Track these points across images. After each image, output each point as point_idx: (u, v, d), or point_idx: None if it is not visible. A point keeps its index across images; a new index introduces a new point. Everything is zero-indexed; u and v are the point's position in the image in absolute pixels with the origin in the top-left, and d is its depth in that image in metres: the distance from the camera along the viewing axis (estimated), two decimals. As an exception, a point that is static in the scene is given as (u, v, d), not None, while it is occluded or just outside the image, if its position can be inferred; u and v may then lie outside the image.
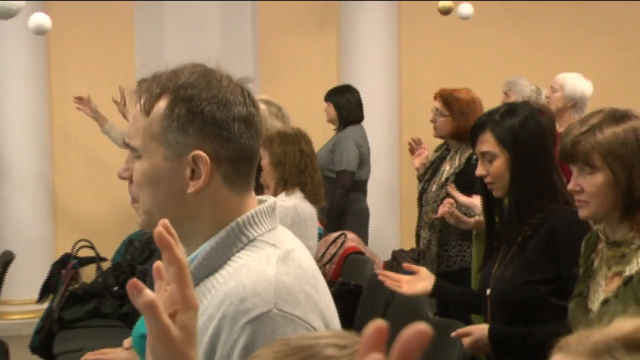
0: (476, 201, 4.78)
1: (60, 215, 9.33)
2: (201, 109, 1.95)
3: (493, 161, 3.66)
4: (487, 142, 3.69)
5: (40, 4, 7.85)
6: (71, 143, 9.33)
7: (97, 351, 3.38)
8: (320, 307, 1.95)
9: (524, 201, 3.59)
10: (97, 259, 8.11)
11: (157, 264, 1.47)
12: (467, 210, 5.15)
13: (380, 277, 3.88)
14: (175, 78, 1.99)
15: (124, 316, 6.63)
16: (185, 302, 1.43)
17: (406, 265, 4.06)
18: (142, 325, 2.83)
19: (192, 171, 1.96)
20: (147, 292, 1.37)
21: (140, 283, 1.36)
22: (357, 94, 7.90)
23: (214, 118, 1.95)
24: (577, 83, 6.44)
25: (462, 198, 5.05)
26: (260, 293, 1.86)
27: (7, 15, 5.63)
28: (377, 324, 0.88)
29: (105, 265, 7.85)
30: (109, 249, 8.00)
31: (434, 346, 4.21)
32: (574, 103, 6.36)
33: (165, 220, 1.44)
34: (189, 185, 1.97)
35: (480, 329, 3.58)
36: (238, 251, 1.98)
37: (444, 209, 5.28)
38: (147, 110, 1.99)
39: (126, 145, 2.06)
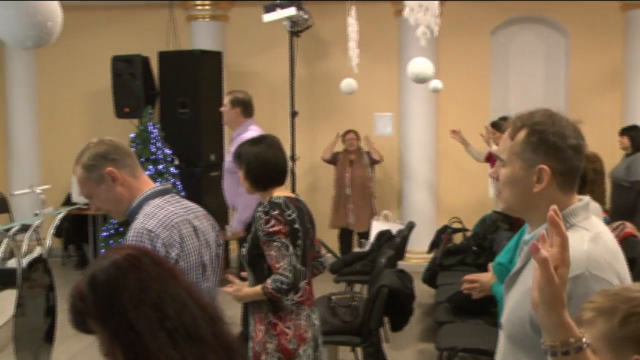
0: None
1: (441, 202, 9.51)
2: (547, 139, 1.94)
3: None
4: None
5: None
6: (449, 157, 9.38)
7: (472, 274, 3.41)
8: (618, 271, 1.86)
9: None
10: (463, 229, 8.38)
11: (542, 232, 1.43)
12: None
13: None
14: (532, 117, 1.98)
15: (479, 265, 6.74)
16: (563, 261, 1.39)
17: None
18: (500, 256, 3.14)
19: (538, 178, 1.94)
20: (543, 251, 1.35)
21: (538, 245, 1.35)
22: None
23: (555, 146, 1.93)
24: None
25: None
26: (577, 261, 1.74)
27: (423, 81, 5.87)
28: None
29: (468, 234, 8.00)
30: (471, 223, 8.04)
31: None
32: None
33: (555, 206, 1.42)
34: (534, 187, 1.95)
35: None
36: None
37: None
38: (512, 137, 1.99)
39: (497, 157, 2.07)
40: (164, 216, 2.62)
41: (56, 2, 2.20)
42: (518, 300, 1.90)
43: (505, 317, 1.99)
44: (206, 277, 2.74)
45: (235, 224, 5.42)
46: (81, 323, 1.51)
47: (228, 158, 5.55)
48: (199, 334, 1.47)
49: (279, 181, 3.54)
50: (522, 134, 1.97)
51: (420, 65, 5.62)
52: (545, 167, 1.93)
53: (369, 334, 4.80)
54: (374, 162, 8.85)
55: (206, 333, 1.48)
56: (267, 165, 3.49)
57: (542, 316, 1.40)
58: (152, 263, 1.53)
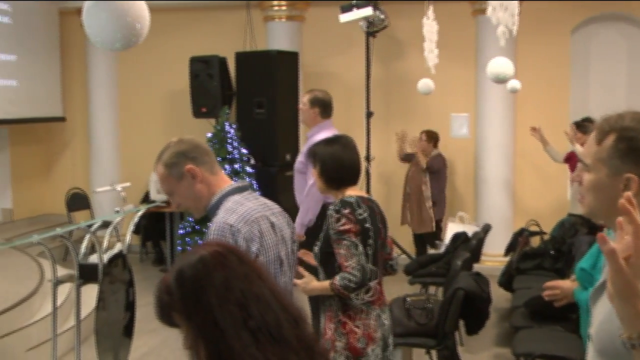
0: None
1: (518, 204, 9.36)
2: (637, 146, 1.78)
3: None
4: None
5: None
6: (526, 158, 9.24)
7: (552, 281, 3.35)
8: None
9: None
10: (541, 233, 8.24)
11: (619, 219, 1.36)
12: None
13: None
14: (621, 121, 1.83)
15: (557, 270, 6.66)
16: (637, 250, 1.33)
17: None
18: (582, 261, 3.09)
19: (625, 186, 1.79)
20: (610, 242, 1.30)
21: (606, 236, 1.30)
22: None
23: None
24: None
25: None
26: None
27: (503, 81, 5.78)
28: None
29: (545, 237, 7.88)
30: (548, 226, 7.87)
31: None
32: None
33: (629, 193, 1.37)
34: (620, 195, 1.65)
35: None
36: None
37: None
38: (599, 141, 1.84)
39: (580, 160, 1.94)
40: (244, 212, 2.71)
41: (144, 3, 2.27)
42: (606, 314, 1.80)
43: (594, 330, 1.89)
44: (283, 272, 2.81)
45: (298, 228, 5.37)
46: (167, 316, 1.55)
47: (299, 158, 5.57)
48: (281, 335, 1.48)
49: (352, 181, 3.60)
50: (609, 140, 1.82)
51: (500, 65, 5.60)
52: (634, 176, 1.77)
53: (444, 336, 4.79)
54: (427, 168, 8.61)
55: (289, 334, 1.49)
56: (341, 165, 3.55)
57: (617, 308, 1.38)
58: (239, 261, 1.55)
